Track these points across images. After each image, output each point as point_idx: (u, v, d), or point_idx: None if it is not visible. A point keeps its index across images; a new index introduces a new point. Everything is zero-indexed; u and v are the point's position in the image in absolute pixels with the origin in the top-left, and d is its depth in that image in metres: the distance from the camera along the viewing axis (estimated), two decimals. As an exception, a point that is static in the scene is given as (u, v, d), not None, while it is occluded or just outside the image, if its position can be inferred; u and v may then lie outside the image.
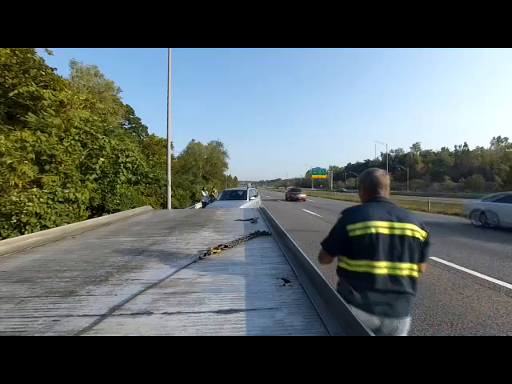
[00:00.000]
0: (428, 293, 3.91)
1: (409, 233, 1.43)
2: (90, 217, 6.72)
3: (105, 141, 7.58)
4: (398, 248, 1.42)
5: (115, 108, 22.96)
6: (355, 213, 1.52)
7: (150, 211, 4.88)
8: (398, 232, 1.43)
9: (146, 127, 36.11)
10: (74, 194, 6.12)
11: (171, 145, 15.02)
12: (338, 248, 1.53)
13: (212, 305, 1.06)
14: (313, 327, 0.88)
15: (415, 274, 1.45)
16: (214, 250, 1.83)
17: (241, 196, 11.49)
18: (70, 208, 6.17)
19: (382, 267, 1.41)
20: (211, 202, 13.24)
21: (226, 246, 1.95)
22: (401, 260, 1.42)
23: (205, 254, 1.75)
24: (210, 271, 1.48)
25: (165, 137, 12.24)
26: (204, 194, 15.53)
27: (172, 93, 11.14)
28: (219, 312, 1.00)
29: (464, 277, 4.58)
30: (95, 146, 7.50)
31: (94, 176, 7.17)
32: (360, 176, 1.73)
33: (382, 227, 1.42)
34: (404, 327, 1.44)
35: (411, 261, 1.43)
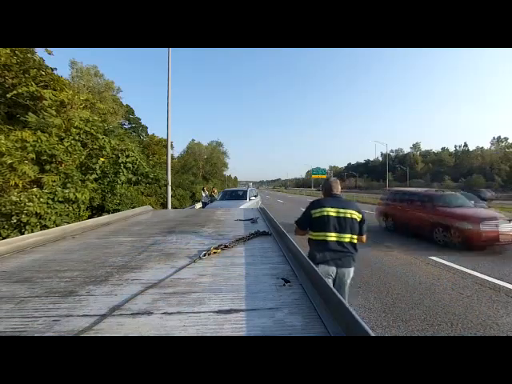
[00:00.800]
0: (428, 293, 3.91)
1: (349, 215, 2.26)
2: (90, 217, 6.68)
3: (105, 141, 7.55)
4: (342, 225, 2.24)
5: (115, 108, 22.87)
6: (316, 203, 2.36)
7: (149, 211, 4.88)
8: (341, 215, 2.25)
9: (146, 127, 36.09)
10: (74, 194, 6.10)
11: (171, 145, 15.01)
12: (306, 225, 2.38)
13: (212, 305, 1.06)
14: (313, 327, 0.88)
15: (354, 241, 2.28)
16: (214, 250, 1.83)
17: (241, 196, 11.45)
18: (70, 208, 6.15)
19: (332, 236, 2.23)
20: (211, 201, 13.21)
21: (226, 246, 1.95)
22: (344, 232, 2.24)
23: (205, 254, 1.75)
24: (210, 271, 1.48)
25: (165, 137, 12.23)
26: (204, 194, 15.48)
27: (172, 93, 11.14)
28: (219, 312, 1.00)
29: (464, 277, 4.58)
30: (95, 146, 7.47)
31: (94, 176, 7.14)
32: (323, 183, 2.65)
33: (331, 211, 2.26)
34: (349, 274, 2.28)
35: (351, 233, 2.25)
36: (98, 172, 7.27)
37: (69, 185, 6.25)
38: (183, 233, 2.70)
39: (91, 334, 0.86)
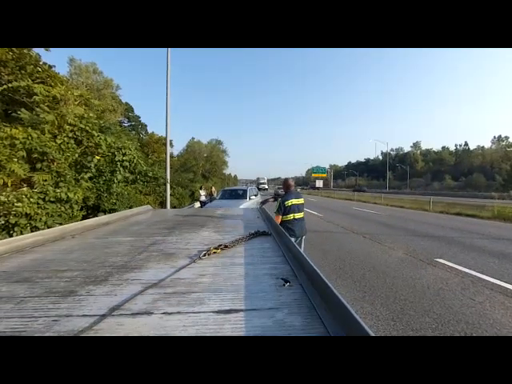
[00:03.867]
0: (437, 298, 3.76)
1: (302, 201, 3.95)
2: (84, 217, 6.45)
3: (100, 138, 7.27)
4: (300, 208, 3.89)
5: (114, 106, 22.62)
6: (286, 198, 3.84)
7: (149, 211, 4.87)
8: (299, 202, 3.89)
9: (146, 125, 36.00)
10: (66, 194, 5.81)
11: (171, 143, 14.95)
12: (281, 211, 3.80)
13: (212, 305, 1.06)
14: (313, 327, 0.88)
15: (304, 215, 3.99)
16: (214, 250, 1.83)
17: (241, 195, 11.39)
18: (62, 208, 5.90)
19: (297, 215, 3.82)
20: (210, 201, 13.10)
21: (225, 246, 1.94)
22: (301, 212, 3.91)
23: (205, 254, 1.75)
24: (210, 271, 1.48)
25: (164, 135, 12.15)
26: (202, 192, 15.18)
27: (173, 92, 11.17)
28: (219, 312, 1.00)
29: (473, 281, 4.41)
30: (90, 144, 7.21)
31: (89, 175, 6.85)
32: (283, 182, 4.35)
33: (294, 201, 3.82)
34: (305, 236, 4.04)
35: (303, 211, 3.93)
36: (93, 170, 7.02)
37: (61, 184, 5.98)
38: (183, 233, 2.70)
39: (91, 334, 0.86)
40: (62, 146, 6.49)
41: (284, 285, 1.24)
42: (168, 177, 10.74)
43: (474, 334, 2.88)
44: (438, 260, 5.64)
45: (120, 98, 26.32)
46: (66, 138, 6.62)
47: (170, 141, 12.66)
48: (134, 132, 30.97)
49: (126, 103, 31.02)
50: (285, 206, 3.77)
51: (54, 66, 9.72)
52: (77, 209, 6.32)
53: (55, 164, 6.30)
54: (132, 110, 34.05)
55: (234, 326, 0.89)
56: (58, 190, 5.80)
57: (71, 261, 1.72)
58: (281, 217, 3.82)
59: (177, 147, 52.75)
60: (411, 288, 4.20)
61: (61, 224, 4.90)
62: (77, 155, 6.94)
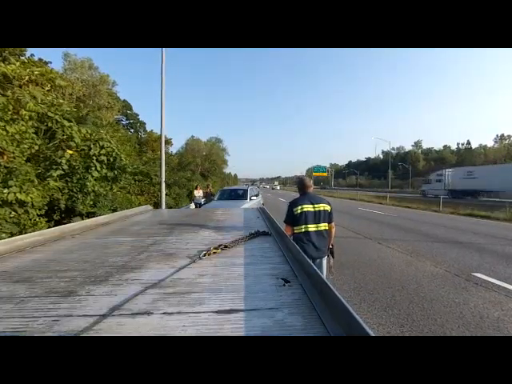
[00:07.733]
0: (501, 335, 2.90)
1: (321, 208, 2.79)
2: (57, 222, 5.39)
3: (72, 129, 6.10)
4: (318, 216, 2.76)
5: (111, 103, 21.87)
6: (295, 202, 2.84)
7: (149, 211, 4.87)
8: (316, 209, 2.77)
9: (144, 123, 35.47)
10: (14, 195, 4.61)
11: (170, 142, 14.63)
12: (291, 220, 2.79)
13: (212, 305, 1.06)
14: (313, 327, 0.88)
15: (327, 228, 2.84)
16: (214, 250, 1.83)
17: (241, 196, 10.80)
18: (14, 213, 4.75)
19: (312, 227, 2.74)
20: (200, 204, 12.02)
21: (225, 246, 1.94)
22: (320, 222, 2.77)
23: (205, 254, 1.75)
24: (210, 271, 1.48)
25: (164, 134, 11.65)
26: (197, 193, 13.88)
27: (173, 91, 11.11)
28: (219, 312, 1.00)
29: None
30: (65, 137, 6.13)
31: (58, 172, 5.71)
32: (297, 181, 3.17)
33: (308, 207, 2.76)
34: (324, 261, 2.87)
35: (324, 222, 2.80)
36: (65, 167, 5.88)
37: (11, 183, 4.70)
38: (183, 233, 2.70)
39: (91, 334, 0.86)
40: (17, 136, 5.23)
41: (284, 285, 1.24)
42: (163, 175, 9.77)
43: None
44: (476, 275, 4.77)
45: (117, 94, 25.78)
46: (23, 127, 5.35)
47: (170, 139, 12.48)
48: (132, 130, 30.67)
49: (124, 100, 30.72)
50: (293, 213, 2.76)
51: (51, 63, 9.44)
52: (35, 213, 5.18)
53: (5, 158, 5.07)
54: (130, 108, 33.67)
55: (233, 326, 0.89)
56: (6, 191, 4.57)
57: (71, 261, 1.72)
58: (291, 227, 2.82)
59: (176, 146, 52.05)
60: (460, 319, 3.28)
61: (20, 233, 3.97)
62: (36, 147, 5.72)
